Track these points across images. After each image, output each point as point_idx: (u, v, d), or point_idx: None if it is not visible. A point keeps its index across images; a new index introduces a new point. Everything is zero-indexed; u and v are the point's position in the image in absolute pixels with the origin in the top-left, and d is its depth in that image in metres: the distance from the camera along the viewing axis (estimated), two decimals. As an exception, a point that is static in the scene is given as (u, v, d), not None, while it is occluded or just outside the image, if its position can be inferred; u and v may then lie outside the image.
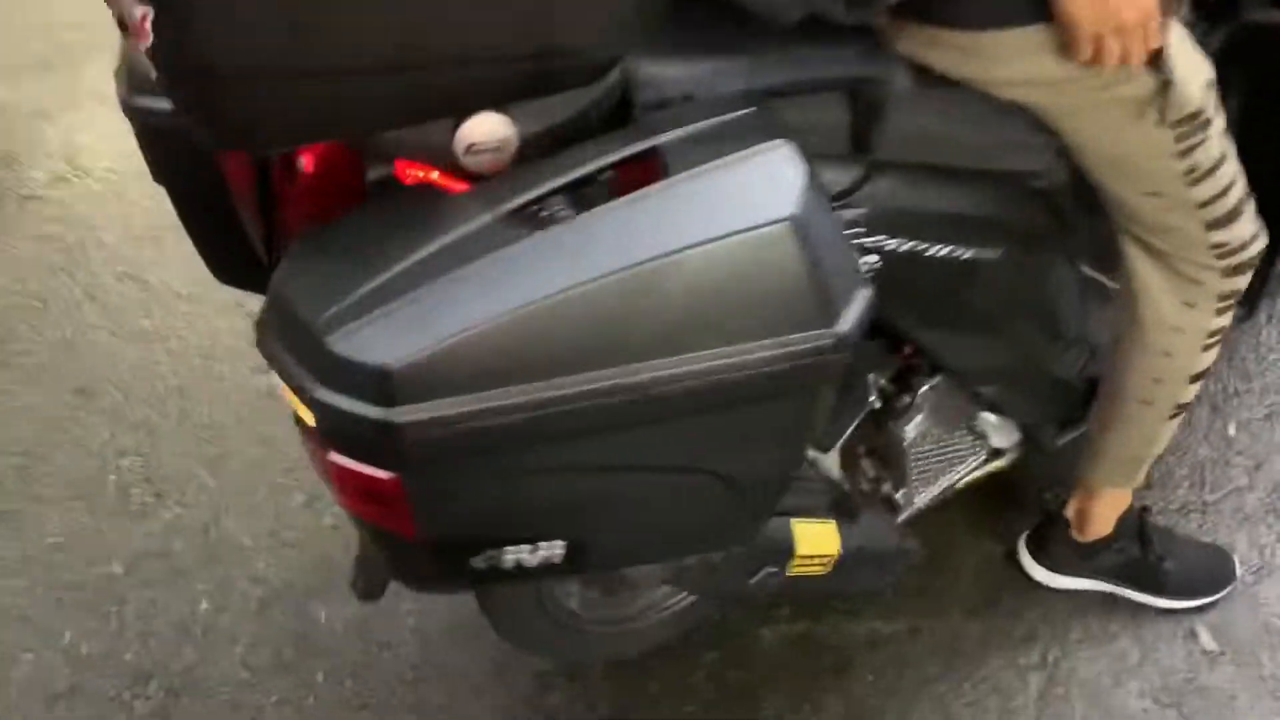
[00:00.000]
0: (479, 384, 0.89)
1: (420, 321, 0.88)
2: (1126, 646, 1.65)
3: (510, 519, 1.03)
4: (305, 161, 1.20)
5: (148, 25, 0.81)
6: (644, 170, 0.97)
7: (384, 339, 0.87)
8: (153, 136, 1.18)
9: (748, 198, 0.94)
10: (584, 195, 0.96)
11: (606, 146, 0.99)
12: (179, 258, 2.41)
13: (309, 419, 0.91)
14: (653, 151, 0.98)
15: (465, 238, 0.92)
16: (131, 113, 1.17)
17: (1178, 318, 1.37)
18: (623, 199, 0.93)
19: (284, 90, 0.87)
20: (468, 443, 0.90)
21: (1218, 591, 1.68)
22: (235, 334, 2.23)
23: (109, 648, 1.77)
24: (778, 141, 0.97)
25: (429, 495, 0.96)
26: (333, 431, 0.92)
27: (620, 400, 0.91)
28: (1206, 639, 1.65)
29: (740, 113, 1.02)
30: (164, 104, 1.13)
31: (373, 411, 0.88)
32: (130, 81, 1.16)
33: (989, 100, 1.22)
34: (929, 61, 1.19)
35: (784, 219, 0.93)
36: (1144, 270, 1.35)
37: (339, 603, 1.77)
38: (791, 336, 0.94)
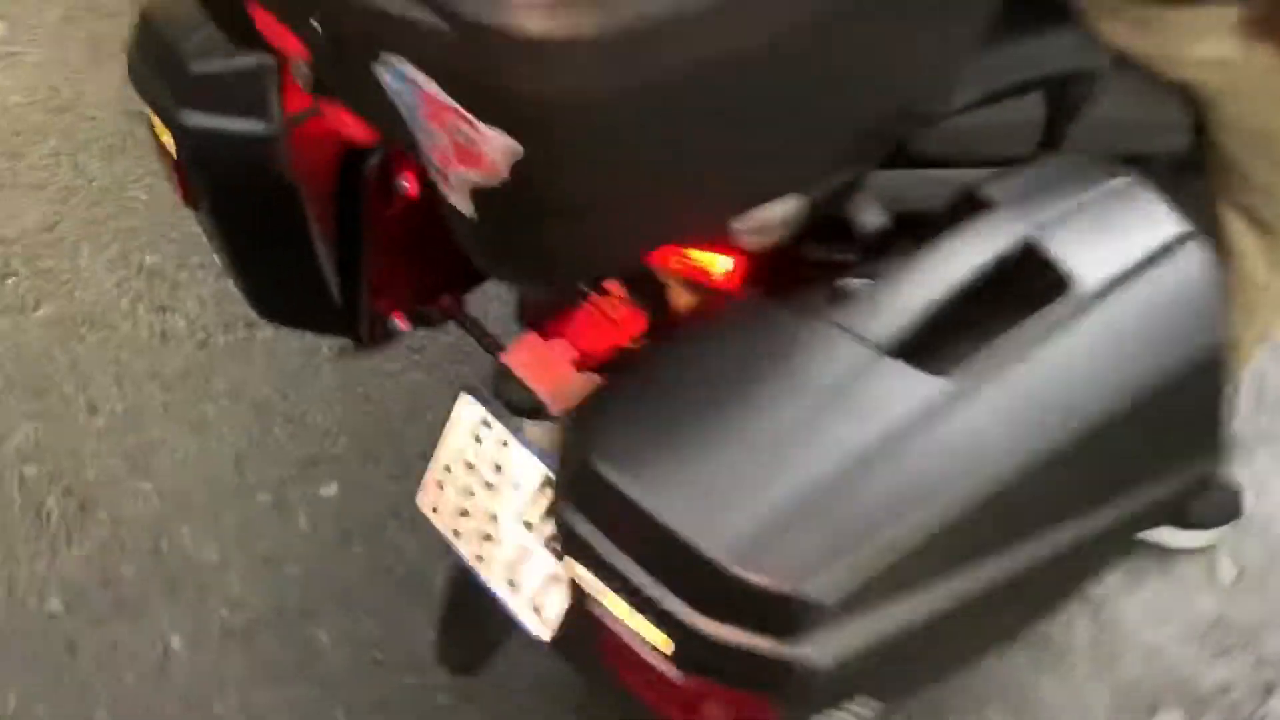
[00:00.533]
0: (903, 590, 0.72)
1: (839, 531, 0.70)
2: (1159, 587, 1.68)
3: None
4: (408, 185, 0.98)
5: (496, 159, 0.58)
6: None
7: (798, 558, 0.69)
8: (204, 159, 0.93)
9: (1172, 323, 0.81)
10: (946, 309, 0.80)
11: (967, 244, 0.82)
12: (33, 195, 1.99)
13: (657, 643, 0.71)
14: (1026, 244, 0.83)
15: (850, 394, 0.73)
16: (179, 131, 0.91)
17: (1267, 276, 1.43)
18: (1029, 328, 0.77)
19: (630, 215, 0.66)
20: (877, 661, 0.74)
21: (1231, 521, 1.73)
22: (130, 295, 1.87)
23: (69, 708, 1.48)
24: (1184, 236, 0.85)
25: (799, 711, 0.79)
26: (702, 660, 0.73)
27: (1032, 568, 0.78)
28: (1226, 570, 1.71)
29: (1111, 184, 0.87)
30: (228, 124, 0.89)
31: (777, 648, 0.70)
32: (178, 92, 0.89)
33: (1152, 79, 1.17)
34: (1103, 33, 1.13)
35: (1212, 346, 0.82)
36: (1241, 234, 1.41)
37: (339, 621, 1.56)
38: (1188, 473, 0.84)
